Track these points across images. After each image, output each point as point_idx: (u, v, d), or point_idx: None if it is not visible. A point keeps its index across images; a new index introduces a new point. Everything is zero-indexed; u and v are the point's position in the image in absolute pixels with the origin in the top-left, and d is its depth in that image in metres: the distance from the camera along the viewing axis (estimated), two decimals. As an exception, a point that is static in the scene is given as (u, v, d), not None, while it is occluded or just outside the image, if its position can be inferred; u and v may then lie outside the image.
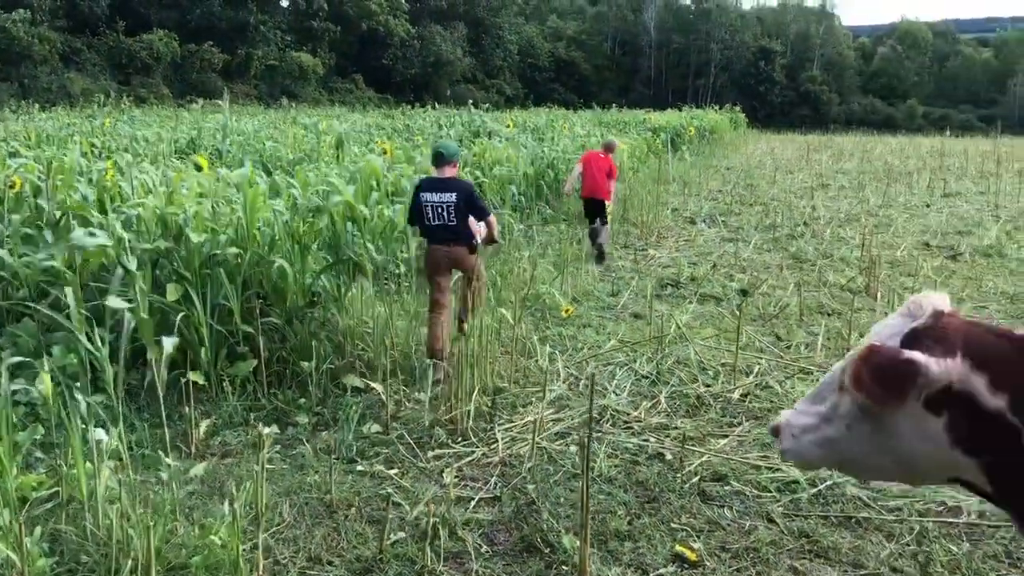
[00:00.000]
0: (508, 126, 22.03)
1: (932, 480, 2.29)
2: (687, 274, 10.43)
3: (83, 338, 4.00)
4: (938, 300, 2.13)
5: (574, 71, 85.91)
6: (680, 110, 45.16)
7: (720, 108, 52.30)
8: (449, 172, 6.83)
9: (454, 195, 6.57)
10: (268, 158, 13.49)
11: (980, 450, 1.98)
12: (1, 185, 6.40)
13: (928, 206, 17.16)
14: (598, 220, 11.49)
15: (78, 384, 4.00)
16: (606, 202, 11.68)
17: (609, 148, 12.27)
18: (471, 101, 31.44)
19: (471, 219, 6.72)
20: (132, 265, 4.20)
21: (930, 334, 2.00)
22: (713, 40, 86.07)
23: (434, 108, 32.56)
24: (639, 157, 21.56)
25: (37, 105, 33.68)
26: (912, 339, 2.01)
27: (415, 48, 70.77)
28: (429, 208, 6.60)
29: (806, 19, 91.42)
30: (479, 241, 6.92)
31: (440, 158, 6.85)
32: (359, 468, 5.10)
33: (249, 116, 29.80)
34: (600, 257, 11.28)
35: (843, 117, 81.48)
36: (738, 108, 53.83)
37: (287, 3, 68.31)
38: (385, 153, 11.95)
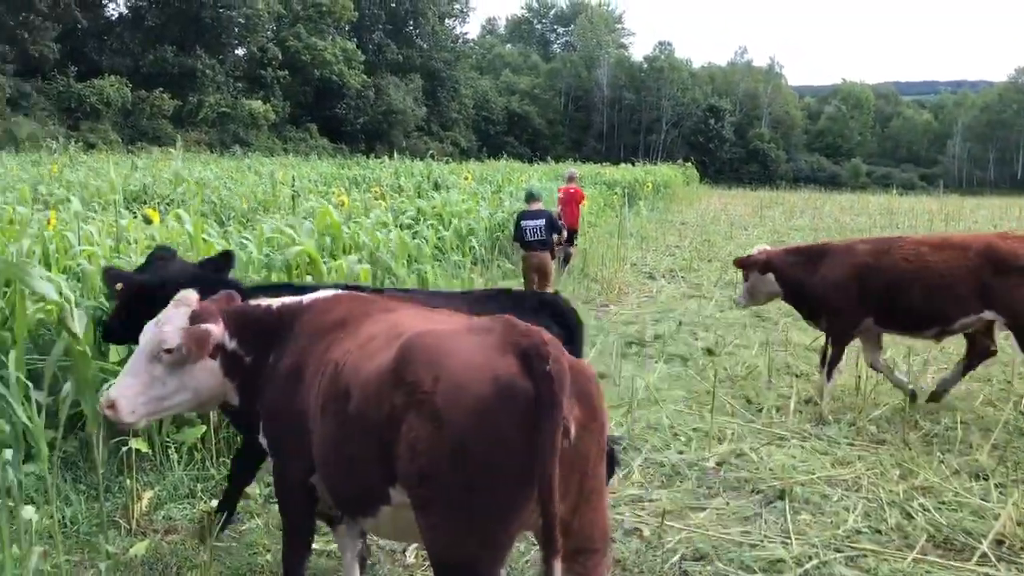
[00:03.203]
0: (466, 178, 21.91)
1: (212, 405, 3.85)
2: (651, 332, 10.25)
3: (18, 407, 3.62)
4: (191, 298, 3.64)
5: (527, 125, 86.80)
6: (633, 164, 45.67)
7: (672, 163, 53.07)
8: (536, 206, 10.89)
9: (542, 221, 10.61)
10: (222, 208, 13.10)
11: (234, 375, 3.63)
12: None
13: (882, 264, 17.27)
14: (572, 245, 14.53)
15: (9, 456, 3.59)
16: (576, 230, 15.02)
17: (571, 178, 15.89)
18: (430, 152, 31.37)
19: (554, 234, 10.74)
20: (79, 328, 3.86)
21: (202, 313, 3.56)
22: (664, 97, 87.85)
23: (391, 159, 32.34)
24: (596, 211, 21.55)
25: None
26: (194, 318, 3.53)
27: (369, 98, 70.80)
28: (527, 231, 10.59)
29: (754, 79, 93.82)
30: (555, 248, 10.94)
31: (531, 197, 11.09)
32: (316, 546, 4.72)
33: (202, 164, 29.24)
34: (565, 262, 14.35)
35: (790, 174, 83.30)
36: (690, 164, 54.63)
37: (242, 51, 68.06)
38: (343, 205, 11.69)
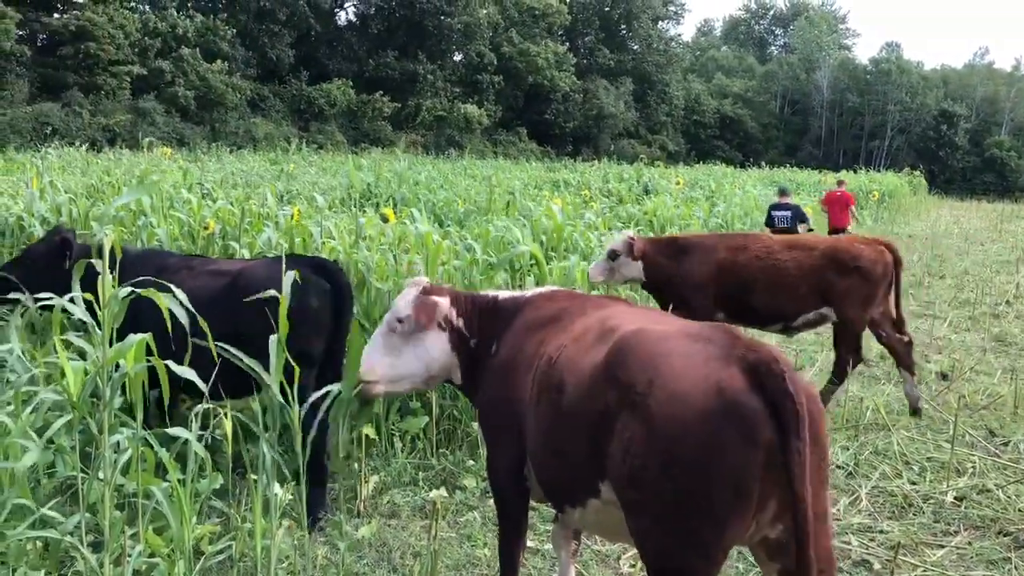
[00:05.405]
0: (677, 183, 21.58)
1: (439, 379, 4.03)
2: (877, 351, 9.60)
3: (275, 389, 3.89)
4: (422, 280, 4.05)
5: (739, 128, 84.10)
6: (855, 172, 43.23)
7: (897, 171, 49.78)
8: (786, 199, 13.29)
9: (789, 212, 12.85)
10: (440, 208, 13.61)
11: (459, 351, 3.88)
12: (197, 227, 6.57)
13: None
14: None
15: (267, 436, 3.87)
16: (847, 228, 16.51)
17: (841, 183, 18.16)
18: (640, 157, 31.17)
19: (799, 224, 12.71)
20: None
21: (431, 290, 3.92)
22: (891, 101, 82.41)
23: (599, 161, 32.41)
24: (814, 220, 20.54)
25: (227, 148, 35.46)
26: (425, 292, 3.87)
27: (577, 101, 71.22)
28: (775, 219, 12.80)
29: (995, 82, 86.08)
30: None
31: (782, 192, 13.63)
32: (530, 544, 4.77)
33: (419, 165, 30.54)
34: None
35: (1034, 186, 75.74)
36: (918, 172, 50.94)
37: (459, 57, 70.45)
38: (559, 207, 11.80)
